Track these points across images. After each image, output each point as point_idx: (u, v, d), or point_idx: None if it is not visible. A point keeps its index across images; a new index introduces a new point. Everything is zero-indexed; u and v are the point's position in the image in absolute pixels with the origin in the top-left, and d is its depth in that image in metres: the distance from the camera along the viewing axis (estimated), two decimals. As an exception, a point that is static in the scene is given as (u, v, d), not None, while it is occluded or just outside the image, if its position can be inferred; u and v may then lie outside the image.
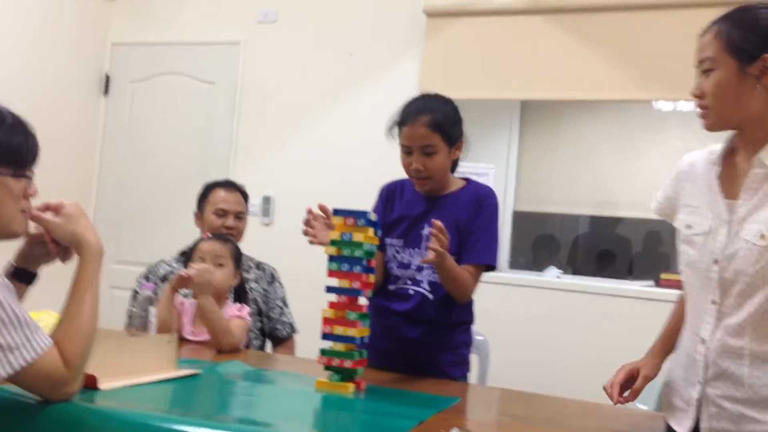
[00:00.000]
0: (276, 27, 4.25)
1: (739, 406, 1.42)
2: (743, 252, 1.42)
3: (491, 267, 2.16)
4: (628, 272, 4.74)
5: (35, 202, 1.50)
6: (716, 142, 1.60)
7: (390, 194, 2.30)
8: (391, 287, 2.21)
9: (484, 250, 2.14)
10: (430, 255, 1.89)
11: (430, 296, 2.15)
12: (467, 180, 2.25)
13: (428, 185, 2.17)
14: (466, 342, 2.26)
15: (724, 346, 1.45)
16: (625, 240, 4.98)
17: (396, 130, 2.17)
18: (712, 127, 1.50)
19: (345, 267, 1.86)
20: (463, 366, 2.25)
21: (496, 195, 2.23)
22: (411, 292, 2.18)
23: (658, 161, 4.49)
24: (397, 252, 2.21)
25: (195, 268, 2.34)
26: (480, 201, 2.17)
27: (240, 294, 2.59)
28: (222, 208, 2.82)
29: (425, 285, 2.16)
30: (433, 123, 2.08)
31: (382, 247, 2.24)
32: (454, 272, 2.05)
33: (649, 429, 1.73)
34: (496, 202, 2.21)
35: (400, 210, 2.24)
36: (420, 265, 2.17)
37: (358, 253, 1.85)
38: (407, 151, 2.12)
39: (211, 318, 2.30)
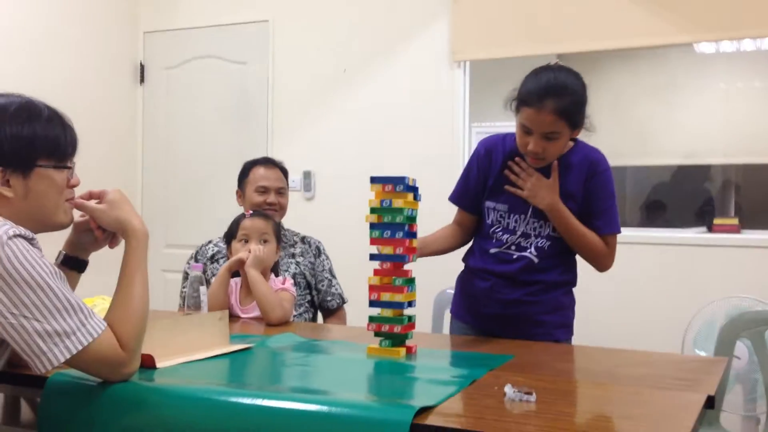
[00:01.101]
0: (304, 1, 4.23)
1: None
2: None
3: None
4: (684, 221, 4.65)
5: (78, 192, 1.54)
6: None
7: (488, 153, 2.19)
8: (493, 250, 2.16)
9: (613, 217, 2.10)
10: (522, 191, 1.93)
11: (536, 261, 2.11)
12: (575, 140, 2.15)
13: (542, 165, 2.07)
14: (570, 303, 2.23)
15: None
16: (676, 188, 4.88)
17: (513, 104, 2.04)
18: None
19: (387, 234, 1.86)
20: (568, 328, 2.20)
21: (603, 154, 2.15)
22: (515, 256, 2.13)
23: (702, 106, 4.38)
24: (502, 217, 2.15)
25: (253, 249, 2.40)
26: (593, 168, 2.09)
27: (276, 270, 2.63)
28: (263, 185, 2.84)
29: (532, 250, 2.12)
30: (560, 110, 1.94)
31: (473, 207, 2.23)
32: (577, 228, 2.04)
33: (708, 373, 1.70)
34: (608, 164, 2.13)
35: (504, 175, 2.13)
36: (527, 231, 2.12)
37: (399, 219, 1.85)
38: (527, 131, 2.00)
39: (262, 291, 2.34)
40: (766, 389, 2.49)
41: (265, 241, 2.47)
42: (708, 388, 1.54)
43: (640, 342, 2.41)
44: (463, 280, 2.30)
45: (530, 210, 2.11)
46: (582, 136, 2.13)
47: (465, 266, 2.30)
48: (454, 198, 2.29)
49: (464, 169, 2.28)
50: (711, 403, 1.49)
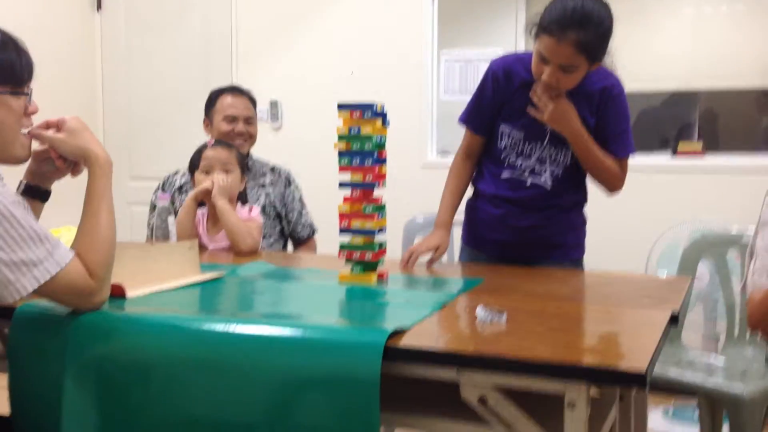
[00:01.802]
0: None
1: None
2: None
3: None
4: (648, 146, 4.69)
5: (36, 121, 1.49)
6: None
7: (506, 74, 2.09)
8: (505, 175, 2.12)
9: (628, 140, 2.06)
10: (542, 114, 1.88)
11: (549, 189, 2.09)
12: None
13: (554, 93, 1.97)
14: (584, 222, 2.22)
15: None
16: (641, 113, 4.90)
17: (534, 29, 1.92)
18: None
19: (356, 161, 1.85)
20: (582, 247, 2.21)
21: (618, 76, 2.07)
22: (528, 183, 2.10)
23: (670, 32, 4.37)
24: (516, 143, 2.10)
25: (217, 177, 2.37)
26: (607, 93, 2.02)
27: (243, 199, 2.60)
28: (231, 114, 2.79)
29: (546, 177, 2.08)
30: (582, 44, 1.83)
31: (485, 130, 2.15)
32: (596, 154, 2.00)
33: (672, 291, 1.74)
34: (623, 86, 2.06)
35: (521, 100, 2.05)
36: (542, 157, 2.08)
37: (368, 146, 1.83)
38: (543, 60, 1.90)
39: (230, 220, 2.33)
40: (727, 308, 2.56)
41: (228, 171, 2.44)
42: (672, 305, 1.58)
43: (606, 264, 2.45)
44: (472, 207, 2.24)
45: (547, 137, 2.06)
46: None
47: (474, 191, 2.24)
48: (465, 118, 2.19)
49: (477, 89, 2.16)
50: (675, 320, 1.53)
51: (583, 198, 2.20)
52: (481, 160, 2.21)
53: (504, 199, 2.13)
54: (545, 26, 1.88)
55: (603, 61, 1.96)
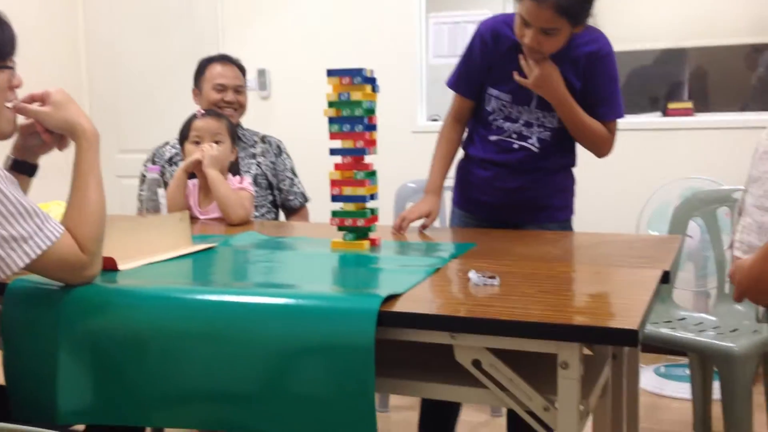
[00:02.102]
0: None
1: (765, 216, 1.37)
2: None
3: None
4: (638, 106, 4.68)
5: (20, 95, 1.47)
6: None
7: (494, 37, 2.08)
8: (493, 138, 2.12)
9: (616, 103, 2.05)
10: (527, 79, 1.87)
11: (537, 151, 2.09)
12: None
13: (538, 57, 1.96)
14: (571, 184, 2.23)
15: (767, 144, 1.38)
16: (630, 74, 4.88)
17: None
18: None
19: (346, 127, 1.84)
20: (569, 208, 2.22)
21: (607, 37, 2.05)
22: (516, 146, 2.10)
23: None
24: (504, 106, 2.10)
25: (206, 147, 2.36)
26: (594, 55, 2.00)
27: (235, 169, 2.59)
28: (220, 83, 2.76)
29: (533, 141, 2.09)
30: (562, 8, 1.82)
31: (473, 94, 2.15)
32: (582, 119, 1.99)
33: (663, 250, 1.75)
34: (611, 47, 2.04)
35: (509, 63, 2.03)
36: (529, 121, 2.08)
37: (357, 112, 1.82)
38: (524, 22, 1.89)
39: (222, 190, 2.32)
40: (717, 265, 2.58)
41: (218, 142, 2.42)
42: (663, 264, 1.59)
43: (597, 225, 2.47)
44: (463, 169, 2.25)
45: (534, 101, 2.06)
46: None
47: (464, 154, 2.25)
48: (454, 82, 2.18)
49: (465, 52, 2.15)
50: (666, 277, 1.54)
51: (570, 161, 2.20)
52: (470, 124, 2.21)
53: (492, 162, 2.14)
54: None
55: (588, 22, 1.94)
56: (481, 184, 2.17)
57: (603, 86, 2.03)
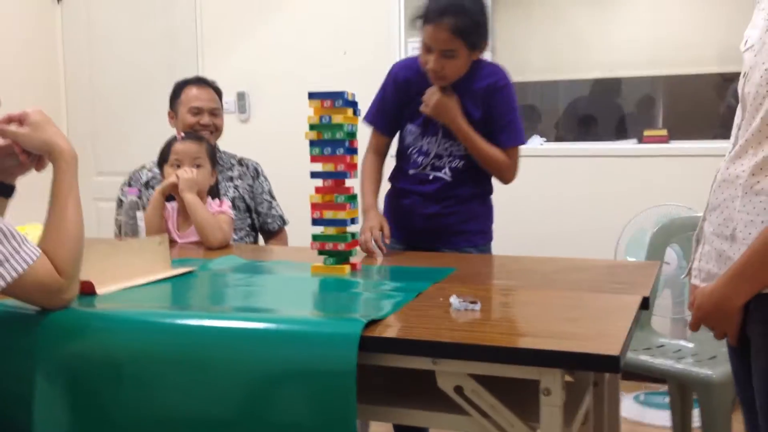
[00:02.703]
0: None
1: (725, 244, 1.36)
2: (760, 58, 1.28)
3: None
4: (614, 133, 4.74)
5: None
6: None
7: (404, 75, 2.25)
8: (411, 171, 2.26)
9: (515, 131, 2.16)
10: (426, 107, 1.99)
11: (450, 180, 2.21)
12: (478, 62, 2.17)
13: (443, 83, 2.12)
14: (486, 211, 2.33)
15: (727, 173, 1.37)
16: (607, 101, 4.95)
17: (419, 23, 2.09)
18: None
19: (327, 150, 1.84)
20: (486, 234, 2.32)
21: (505, 70, 2.20)
22: (431, 177, 2.23)
23: (632, 17, 4.40)
24: (416, 140, 2.24)
25: (183, 172, 2.35)
26: (492, 86, 2.14)
27: (214, 192, 2.58)
28: (196, 106, 2.75)
29: (446, 170, 2.21)
30: (456, 29, 1.99)
31: (388, 129, 2.31)
32: (479, 144, 2.10)
33: (642, 276, 1.76)
34: (508, 79, 2.18)
35: (418, 96, 2.18)
36: (439, 153, 2.20)
37: (339, 135, 1.82)
38: (427, 49, 2.05)
39: (199, 214, 2.31)
40: (694, 291, 2.60)
41: (198, 166, 2.41)
42: (643, 290, 1.60)
43: (575, 251, 2.48)
44: (389, 199, 2.39)
45: (440, 131, 2.18)
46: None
47: (391, 186, 2.38)
48: (370, 119, 2.33)
49: (379, 91, 2.32)
50: (646, 303, 1.55)
51: (486, 189, 2.31)
52: (396, 158, 2.35)
53: (411, 192, 2.27)
54: (425, 16, 2.05)
55: (485, 53, 2.12)
56: (403, 212, 2.29)
57: (502, 115, 2.16)
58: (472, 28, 2.02)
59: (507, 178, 2.22)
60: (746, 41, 1.38)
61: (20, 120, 1.43)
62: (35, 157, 1.48)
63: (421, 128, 2.22)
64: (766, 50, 1.28)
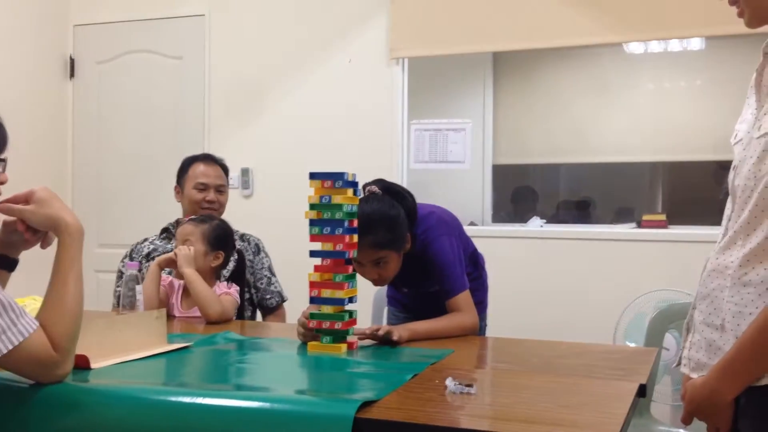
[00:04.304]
0: (240, -4, 4.19)
1: (714, 334, 1.35)
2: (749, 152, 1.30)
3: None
4: (612, 217, 4.78)
5: (4, 190, 1.48)
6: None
7: None
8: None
9: (452, 283, 2.15)
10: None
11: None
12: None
13: (386, 284, 2.20)
14: (480, 298, 2.35)
15: (716, 263, 1.38)
16: (606, 185, 5.01)
17: None
18: (750, 23, 1.36)
19: (327, 230, 1.86)
20: (481, 305, 2.34)
21: (432, 217, 2.20)
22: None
23: (632, 105, 4.51)
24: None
25: (178, 251, 2.40)
26: (422, 244, 2.16)
27: (237, 277, 2.61)
28: (202, 182, 2.80)
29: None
30: (379, 244, 2.01)
31: None
32: (440, 332, 2.07)
33: (639, 363, 1.75)
34: (437, 234, 2.17)
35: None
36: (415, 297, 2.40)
37: (338, 215, 1.85)
38: (359, 263, 2.03)
39: (197, 287, 2.33)
40: (693, 378, 2.57)
41: (187, 241, 2.45)
42: (640, 377, 1.59)
43: (574, 334, 2.47)
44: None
45: (406, 291, 2.39)
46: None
47: None
48: None
49: None
50: (643, 391, 1.54)
51: (476, 277, 2.39)
52: None
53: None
54: None
55: (409, 239, 2.11)
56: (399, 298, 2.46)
57: (436, 269, 2.17)
58: (390, 235, 2.03)
59: (472, 328, 2.14)
60: (736, 134, 1.42)
61: (26, 199, 1.46)
62: (41, 234, 1.50)
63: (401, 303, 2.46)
64: (753, 145, 1.32)
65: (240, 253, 2.71)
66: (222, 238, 2.51)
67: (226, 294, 2.42)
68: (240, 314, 2.70)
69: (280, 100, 4.11)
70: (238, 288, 2.51)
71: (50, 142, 4.38)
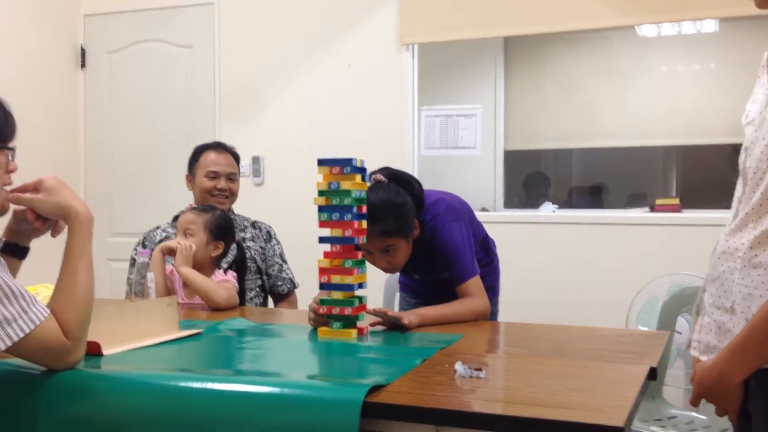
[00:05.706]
0: (249, -16, 4.17)
1: (724, 316, 1.34)
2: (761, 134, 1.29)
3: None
4: (625, 202, 4.75)
5: (15, 178, 1.49)
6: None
7: None
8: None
9: (462, 268, 2.15)
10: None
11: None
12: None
13: (396, 271, 2.20)
14: (491, 283, 2.35)
15: (726, 245, 1.37)
16: (619, 170, 4.98)
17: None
18: (761, 4, 1.35)
19: (336, 216, 1.86)
20: (492, 291, 2.34)
21: (442, 204, 2.19)
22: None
23: (645, 89, 4.47)
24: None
25: (179, 243, 2.40)
26: (432, 230, 2.15)
27: (240, 266, 2.62)
28: (213, 170, 2.81)
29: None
30: (387, 232, 2.01)
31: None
32: (451, 317, 2.07)
33: (651, 346, 1.74)
34: (445, 221, 2.16)
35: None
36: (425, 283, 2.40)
37: (347, 201, 1.85)
38: (368, 252, 2.03)
39: (198, 282, 2.36)
40: (707, 362, 2.56)
41: (189, 234, 2.45)
42: (650, 360, 1.59)
43: (587, 319, 2.46)
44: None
45: (416, 278, 2.39)
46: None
47: None
48: None
49: None
50: (653, 374, 1.53)
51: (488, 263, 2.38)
52: None
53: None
54: None
55: (417, 225, 2.11)
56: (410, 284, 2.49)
57: (446, 255, 2.16)
58: (398, 223, 2.03)
59: (482, 313, 2.14)
60: (747, 115, 1.40)
61: (35, 187, 1.47)
62: (51, 222, 1.51)
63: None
64: (766, 125, 1.30)
65: (239, 245, 2.72)
66: (223, 229, 2.52)
67: (224, 281, 2.44)
68: (246, 300, 2.70)
69: (290, 88, 4.10)
70: (235, 274, 2.52)
71: (62, 131, 4.40)
